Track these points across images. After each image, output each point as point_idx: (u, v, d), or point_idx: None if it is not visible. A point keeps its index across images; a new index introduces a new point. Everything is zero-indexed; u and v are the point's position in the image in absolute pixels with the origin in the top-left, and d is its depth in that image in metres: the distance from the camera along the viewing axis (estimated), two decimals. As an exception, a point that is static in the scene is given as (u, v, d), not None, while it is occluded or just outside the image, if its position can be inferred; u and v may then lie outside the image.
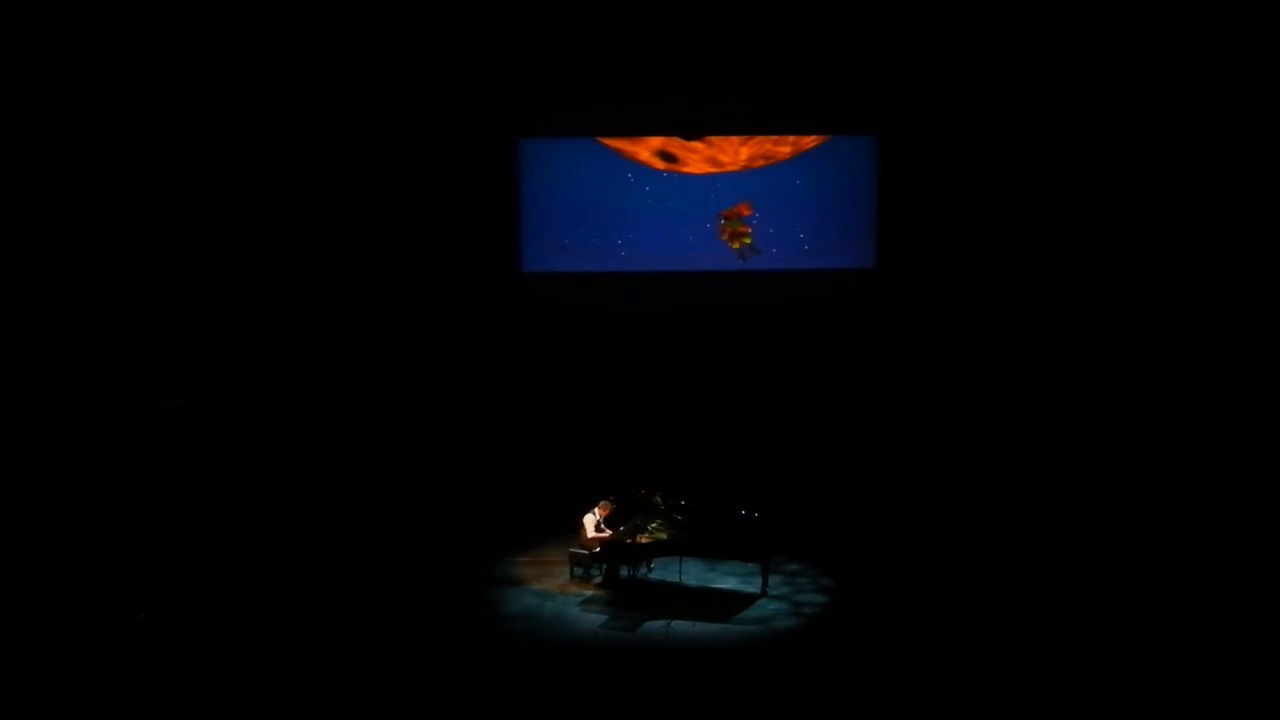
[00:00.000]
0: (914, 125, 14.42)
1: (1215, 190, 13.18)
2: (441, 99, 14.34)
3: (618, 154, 14.74)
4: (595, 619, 11.03)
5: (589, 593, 11.68)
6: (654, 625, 10.78)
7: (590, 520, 12.08)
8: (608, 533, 11.96)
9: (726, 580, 11.94)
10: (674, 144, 14.47)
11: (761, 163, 14.53)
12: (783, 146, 14.52)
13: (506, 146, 14.80)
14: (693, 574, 11.96)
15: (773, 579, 11.72)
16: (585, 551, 11.97)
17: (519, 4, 13.75)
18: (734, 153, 14.51)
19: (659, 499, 12.06)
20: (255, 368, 14.11)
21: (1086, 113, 13.71)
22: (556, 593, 11.67)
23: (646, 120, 14.75)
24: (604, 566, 11.87)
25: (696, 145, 14.04)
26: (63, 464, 11.89)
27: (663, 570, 12.11)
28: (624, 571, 11.79)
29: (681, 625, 10.76)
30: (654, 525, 11.90)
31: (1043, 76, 13.72)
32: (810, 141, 14.55)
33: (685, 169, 14.47)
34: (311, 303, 14.40)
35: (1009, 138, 14.05)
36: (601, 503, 12.19)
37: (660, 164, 14.50)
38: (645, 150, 14.63)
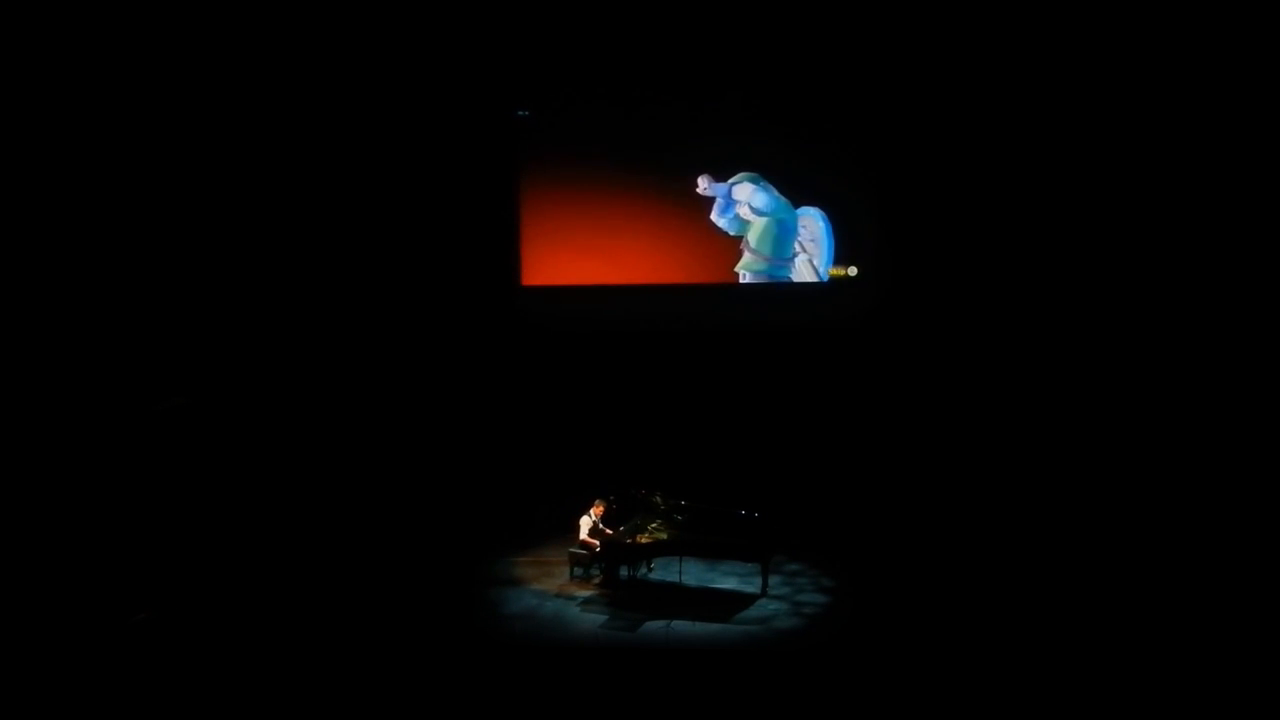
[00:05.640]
0: (910, 143, 14.47)
1: (1211, 198, 13.17)
2: (446, 110, 14.46)
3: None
4: (595, 619, 11.03)
5: (589, 593, 11.68)
6: (654, 625, 10.77)
7: (585, 521, 12.07)
8: (607, 532, 11.96)
9: (726, 580, 11.94)
10: None
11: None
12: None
13: (509, 160, 14.93)
14: (693, 574, 11.96)
15: (773, 579, 11.72)
16: (585, 551, 11.97)
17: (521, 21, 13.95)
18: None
19: (659, 499, 12.06)
20: (254, 368, 14.11)
21: (1081, 121, 13.70)
22: (556, 593, 11.68)
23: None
24: (604, 566, 11.87)
25: None
26: (61, 464, 11.88)
27: (663, 570, 12.11)
28: (624, 571, 11.78)
29: (681, 625, 10.75)
30: (654, 525, 11.90)
31: (1035, 88, 13.72)
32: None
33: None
34: (310, 303, 14.40)
35: (1006, 150, 14.04)
36: (596, 501, 12.18)
37: None
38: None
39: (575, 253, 15.02)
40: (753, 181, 14.84)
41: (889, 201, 14.60)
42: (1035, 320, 14.14)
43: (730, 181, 14.83)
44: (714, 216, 14.86)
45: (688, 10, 13.93)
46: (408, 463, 14.20)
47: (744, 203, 14.81)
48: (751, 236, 14.88)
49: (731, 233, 14.89)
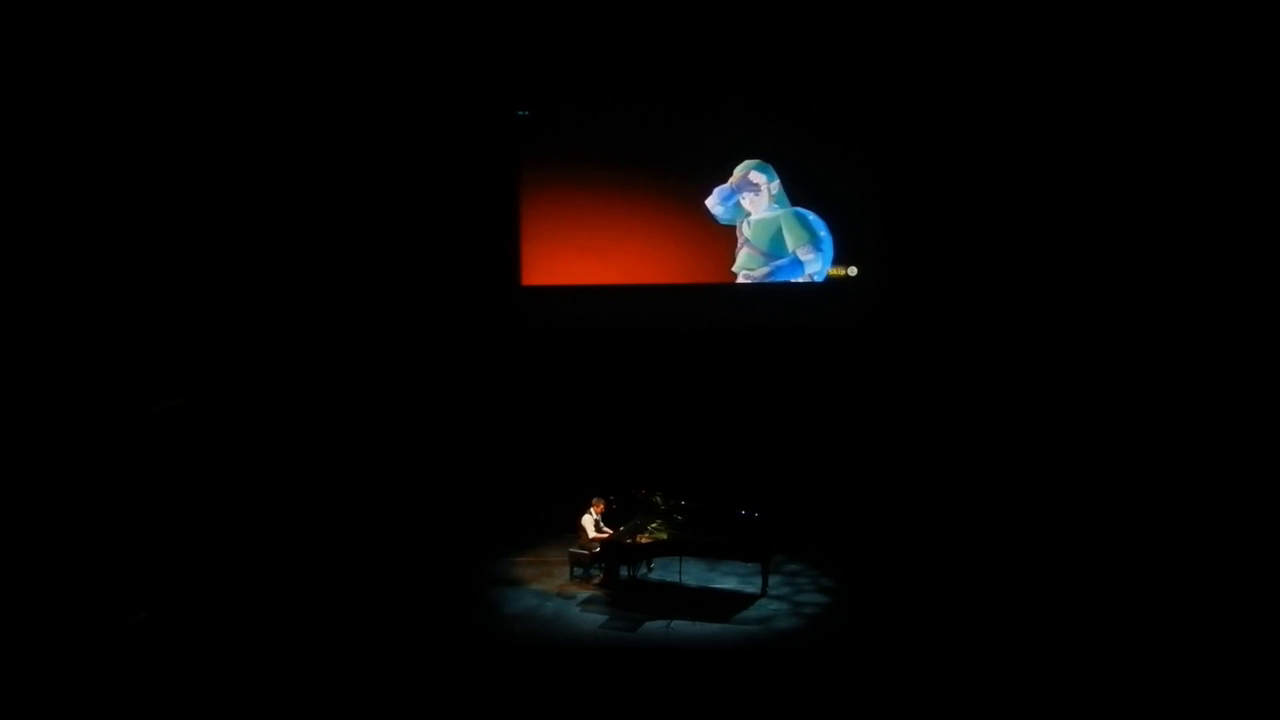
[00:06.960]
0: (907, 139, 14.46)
1: (1210, 198, 13.17)
2: (446, 110, 14.47)
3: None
4: (595, 619, 11.03)
5: (589, 593, 11.68)
6: (654, 625, 10.78)
7: (589, 520, 12.08)
8: (608, 532, 11.97)
9: (726, 580, 11.94)
10: None
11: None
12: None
13: (509, 161, 14.94)
14: (693, 574, 11.97)
15: (773, 579, 11.73)
16: (585, 551, 11.98)
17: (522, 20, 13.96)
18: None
19: (659, 499, 12.06)
20: (254, 369, 14.11)
21: (1081, 122, 13.70)
22: (556, 593, 11.68)
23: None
24: (604, 566, 11.87)
25: None
26: (62, 464, 11.88)
27: (663, 570, 12.12)
28: (624, 571, 11.79)
29: (681, 625, 10.76)
30: (654, 525, 11.91)
31: (1036, 89, 13.71)
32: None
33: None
34: (310, 303, 14.40)
35: (1006, 150, 14.03)
36: (595, 499, 12.19)
37: None
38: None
39: (575, 253, 15.02)
40: (763, 172, 14.84)
41: (889, 202, 14.60)
42: (1035, 320, 14.14)
43: (738, 171, 14.86)
44: (710, 204, 14.85)
45: (688, 10, 13.94)
46: (408, 463, 14.20)
47: (759, 187, 14.79)
48: (749, 229, 14.86)
49: (725, 221, 14.87)
